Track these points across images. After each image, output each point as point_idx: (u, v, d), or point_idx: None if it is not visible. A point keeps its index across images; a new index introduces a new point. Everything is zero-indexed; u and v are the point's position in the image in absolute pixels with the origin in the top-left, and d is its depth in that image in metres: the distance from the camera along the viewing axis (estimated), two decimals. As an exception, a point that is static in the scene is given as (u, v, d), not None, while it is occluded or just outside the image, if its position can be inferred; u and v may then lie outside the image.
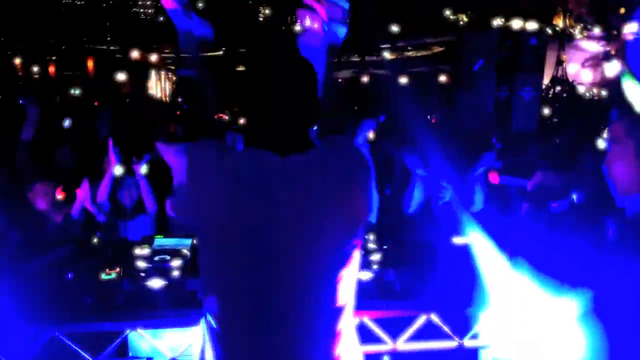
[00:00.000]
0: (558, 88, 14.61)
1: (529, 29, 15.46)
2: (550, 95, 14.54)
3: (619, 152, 1.45)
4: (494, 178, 3.87)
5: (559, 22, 15.79)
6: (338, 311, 1.55)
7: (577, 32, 16.64)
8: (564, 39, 14.91)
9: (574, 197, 3.43)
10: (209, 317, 1.56)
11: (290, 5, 17.21)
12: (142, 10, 17.65)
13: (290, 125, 1.53)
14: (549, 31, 15.95)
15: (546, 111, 13.48)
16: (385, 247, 2.69)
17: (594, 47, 17.23)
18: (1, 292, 2.05)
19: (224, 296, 1.50)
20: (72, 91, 13.48)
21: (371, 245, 2.65)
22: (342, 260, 1.54)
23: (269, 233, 1.44)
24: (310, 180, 1.45)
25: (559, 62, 14.56)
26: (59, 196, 3.44)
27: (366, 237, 2.74)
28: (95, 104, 13.31)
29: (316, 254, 1.50)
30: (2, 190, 3.44)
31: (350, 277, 1.60)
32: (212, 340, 1.55)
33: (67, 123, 4.57)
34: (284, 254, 1.45)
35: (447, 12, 14.57)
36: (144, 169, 3.41)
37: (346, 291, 1.57)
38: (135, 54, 16.98)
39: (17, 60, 15.20)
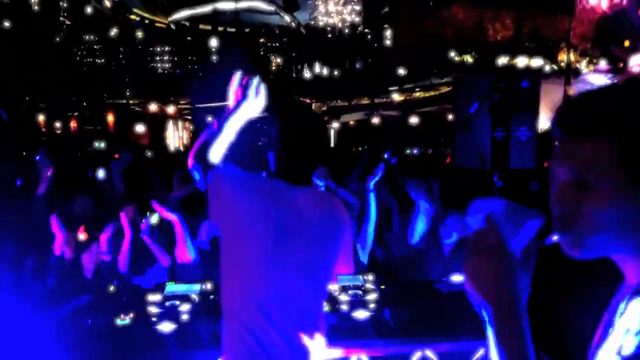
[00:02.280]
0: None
1: (533, 66, 15.78)
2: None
3: None
4: None
5: (564, 58, 16.07)
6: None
7: (583, 66, 16.89)
8: (570, 74, 15.13)
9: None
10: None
11: (300, 54, 17.86)
12: (159, 65, 18.44)
13: (298, 164, 1.92)
14: (554, 67, 16.22)
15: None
16: (382, 287, 2.83)
17: (601, 80, 17.43)
18: (29, 337, 2.26)
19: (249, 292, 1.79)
20: (97, 144, 14.00)
21: (369, 286, 2.79)
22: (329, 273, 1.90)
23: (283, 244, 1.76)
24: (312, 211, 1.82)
25: (567, 97, 14.77)
26: (82, 236, 3.51)
27: (365, 277, 2.89)
28: (116, 156, 13.77)
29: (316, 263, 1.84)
30: (27, 243, 3.68)
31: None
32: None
33: (100, 174, 4.82)
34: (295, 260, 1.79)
35: (452, 54, 15.00)
36: (153, 221, 3.48)
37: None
38: (153, 106, 17.69)
39: (41, 117, 15.95)
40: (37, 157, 4.04)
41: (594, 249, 0.88)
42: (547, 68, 16.48)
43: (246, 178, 1.83)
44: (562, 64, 16.72)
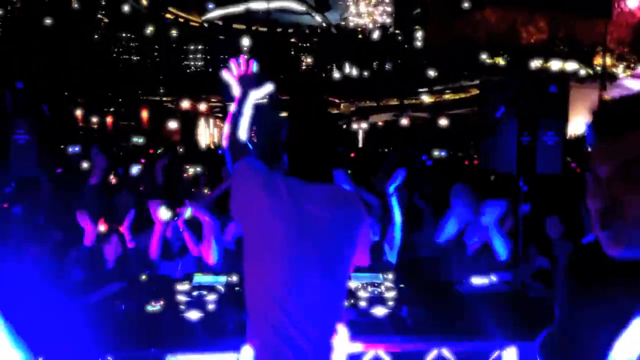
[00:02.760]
0: (601, 127, 14.50)
1: (568, 70, 15.49)
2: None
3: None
4: None
5: (600, 62, 15.72)
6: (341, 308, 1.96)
7: (619, 70, 16.49)
8: (605, 78, 14.81)
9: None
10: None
11: (330, 54, 17.97)
12: (192, 62, 18.82)
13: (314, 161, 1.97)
14: (590, 71, 15.88)
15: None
16: (401, 285, 2.90)
17: (639, 85, 16.99)
18: (64, 321, 2.41)
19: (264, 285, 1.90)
20: (135, 139, 14.38)
21: (388, 284, 2.86)
22: (347, 268, 1.95)
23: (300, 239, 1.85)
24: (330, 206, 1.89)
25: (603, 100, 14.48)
26: (102, 227, 3.66)
27: (384, 275, 2.97)
28: (150, 151, 14.10)
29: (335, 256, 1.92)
30: (68, 233, 3.88)
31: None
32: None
33: (135, 170, 5.02)
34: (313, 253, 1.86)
35: (484, 56, 14.86)
36: (187, 214, 3.62)
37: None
38: (185, 104, 18.08)
39: (78, 112, 16.49)
40: (93, 151, 4.25)
41: (634, 245, 0.90)
42: (582, 72, 16.13)
43: (267, 175, 1.91)
44: (598, 69, 16.31)
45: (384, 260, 3.48)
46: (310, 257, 1.84)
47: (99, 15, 16.33)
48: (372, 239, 3.09)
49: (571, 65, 16.65)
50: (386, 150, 13.53)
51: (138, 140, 14.98)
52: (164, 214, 3.48)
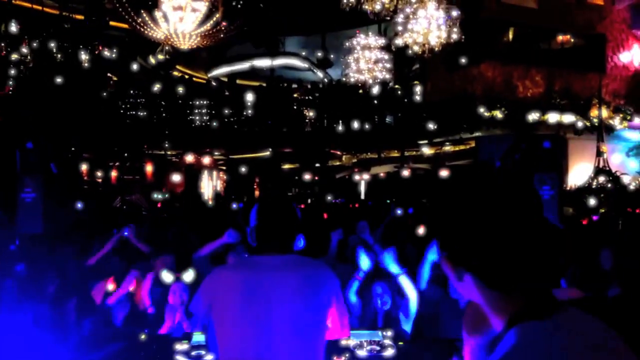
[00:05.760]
0: (602, 179, 14.53)
1: (565, 123, 15.76)
2: (594, 187, 14.45)
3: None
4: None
5: (596, 114, 16.00)
6: None
7: (617, 122, 16.75)
8: (602, 130, 15.03)
9: None
10: None
11: (332, 108, 18.39)
12: (197, 117, 19.22)
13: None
14: (587, 123, 16.14)
15: (592, 202, 13.35)
16: (400, 343, 2.89)
17: (637, 136, 17.22)
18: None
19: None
20: (156, 196, 14.56)
21: (387, 342, 2.86)
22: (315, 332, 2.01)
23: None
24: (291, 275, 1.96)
25: (599, 153, 14.61)
26: (110, 286, 3.70)
27: (384, 333, 2.97)
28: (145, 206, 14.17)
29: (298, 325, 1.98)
30: (68, 284, 3.92)
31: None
32: None
33: (126, 233, 5.14)
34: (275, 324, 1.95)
35: (482, 110, 15.18)
36: (188, 277, 3.63)
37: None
38: (189, 157, 18.34)
39: (84, 167, 16.72)
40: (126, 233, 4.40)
41: None
42: (580, 124, 16.44)
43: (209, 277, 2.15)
44: (595, 120, 16.61)
45: (398, 329, 3.49)
46: (263, 321, 1.91)
47: (109, 74, 16.87)
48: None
49: (568, 118, 17.01)
50: (388, 201, 13.60)
51: (159, 196, 15.15)
52: (167, 277, 3.52)
